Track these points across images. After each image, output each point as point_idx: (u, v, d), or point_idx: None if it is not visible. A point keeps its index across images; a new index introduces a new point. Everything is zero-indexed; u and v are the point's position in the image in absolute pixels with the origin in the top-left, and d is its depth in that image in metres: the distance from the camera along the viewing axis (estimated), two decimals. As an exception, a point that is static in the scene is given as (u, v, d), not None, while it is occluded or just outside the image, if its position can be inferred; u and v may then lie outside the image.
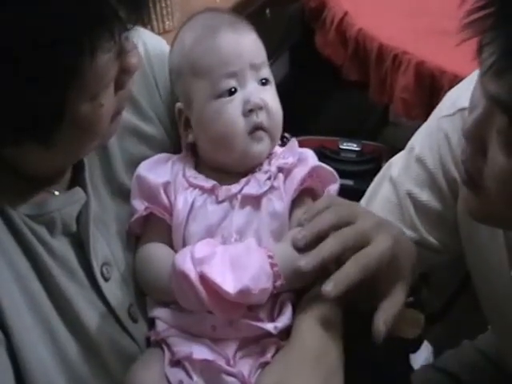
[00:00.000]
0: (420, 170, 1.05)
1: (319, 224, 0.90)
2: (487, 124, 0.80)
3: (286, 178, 0.96)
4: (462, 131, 0.85)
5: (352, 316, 0.95)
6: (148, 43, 1.04)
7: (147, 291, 0.97)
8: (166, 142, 1.03)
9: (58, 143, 0.81)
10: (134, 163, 1.00)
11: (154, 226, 0.97)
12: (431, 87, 1.86)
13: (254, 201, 0.94)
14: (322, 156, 1.92)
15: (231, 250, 0.89)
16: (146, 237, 0.98)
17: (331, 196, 0.98)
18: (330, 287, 0.87)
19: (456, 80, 1.75)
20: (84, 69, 0.76)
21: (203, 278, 0.86)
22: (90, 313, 0.91)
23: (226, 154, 0.96)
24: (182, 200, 0.95)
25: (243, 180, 0.96)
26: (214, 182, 0.96)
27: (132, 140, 1.01)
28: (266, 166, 0.97)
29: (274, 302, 0.92)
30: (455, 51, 1.94)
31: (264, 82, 0.97)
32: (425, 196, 1.05)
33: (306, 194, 0.97)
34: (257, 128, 0.95)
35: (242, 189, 0.95)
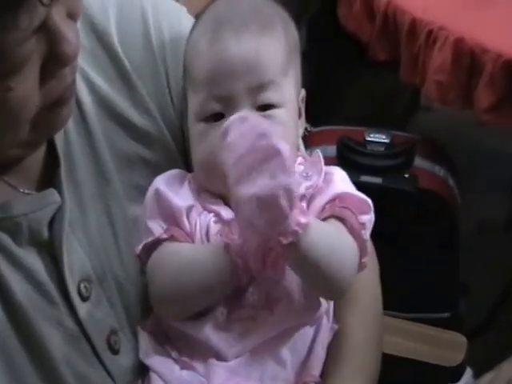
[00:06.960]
0: None
1: None
2: None
3: (308, 205, 0.86)
4: None
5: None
6: (163, 22, 0.94)
7: (169, 303, 0.86)
8: (169, 144, 0.94)
9: None
10: (126, 161, 0.92)
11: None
12: (470, 68, 1.77)
13: None
14: (345, 149, 1.84)
15: None
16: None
17: None
18: None
19: (500, 60, 1.69)
20: None
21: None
22: (56, 337, 0.84)
23: (211, 182, 0.88)
24: (198, 227, 0.88)
25: None
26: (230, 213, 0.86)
27: (118, 130, 0.92)
28: None
29: None
30: (500, 26, 1.88)
31: (264, 107, 0.86)
32: None
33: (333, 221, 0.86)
34: None
35: None
